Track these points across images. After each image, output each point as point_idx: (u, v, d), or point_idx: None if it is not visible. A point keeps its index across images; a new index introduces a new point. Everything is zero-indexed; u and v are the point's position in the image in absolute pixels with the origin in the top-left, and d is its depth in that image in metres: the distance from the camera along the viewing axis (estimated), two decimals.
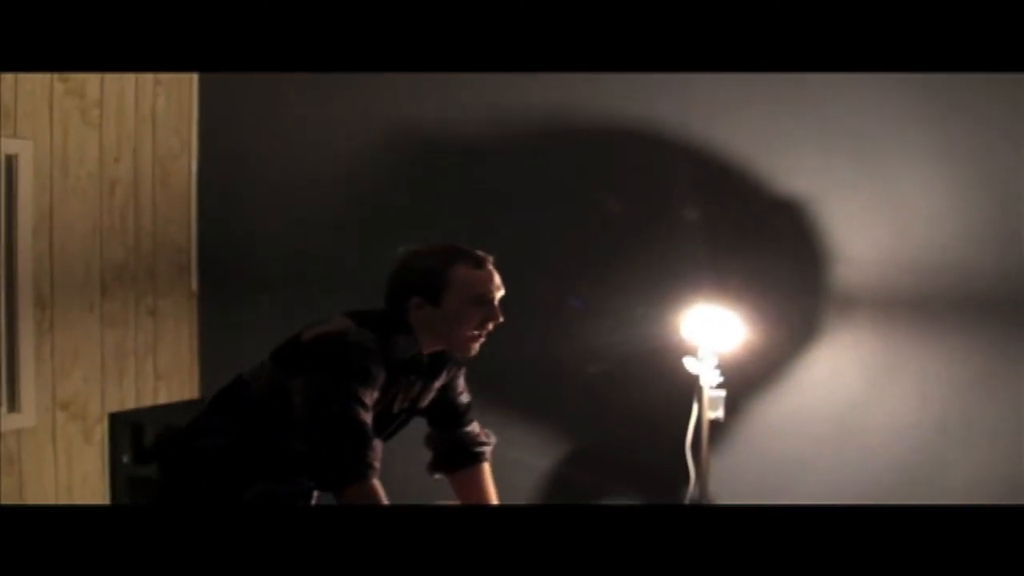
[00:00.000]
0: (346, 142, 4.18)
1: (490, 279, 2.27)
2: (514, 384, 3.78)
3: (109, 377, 4.08)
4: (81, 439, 3.98)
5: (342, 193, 4.20)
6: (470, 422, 2.54)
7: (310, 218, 4.25)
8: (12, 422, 3.71)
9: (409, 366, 2.27)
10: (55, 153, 3.83)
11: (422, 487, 2.71)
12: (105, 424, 4.03)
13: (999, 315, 3.39)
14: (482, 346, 2.30)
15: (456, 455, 2.54)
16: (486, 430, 2.57)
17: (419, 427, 2.51)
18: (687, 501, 3.52)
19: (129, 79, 4.11)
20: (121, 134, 4.10)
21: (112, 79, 4.04)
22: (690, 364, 3.39)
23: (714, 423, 3.50)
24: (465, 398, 2.52)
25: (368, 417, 2.10)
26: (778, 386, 3.63)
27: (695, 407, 3.46)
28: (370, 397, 2.13)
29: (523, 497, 3.84)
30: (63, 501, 3.90)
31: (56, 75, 3.80)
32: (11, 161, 3.69)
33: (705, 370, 3.38)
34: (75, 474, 3.96)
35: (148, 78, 4.19)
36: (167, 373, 4.35)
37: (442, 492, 2.63)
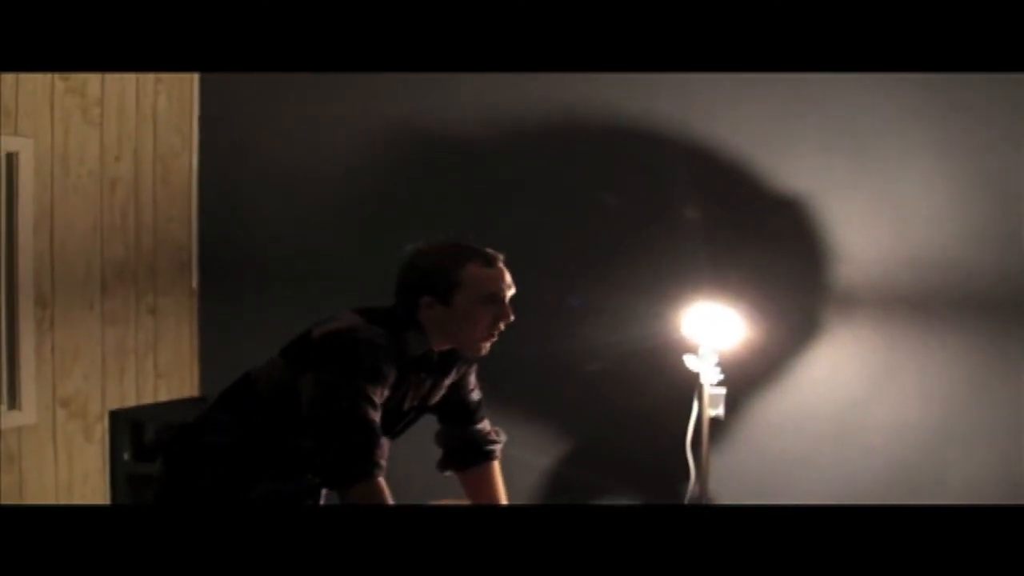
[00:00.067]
0: (346, 141, 4.18)
1: (501, 277, 2.25)
2: (514, 383, 3.77)
3: (110, 375, 4.09)
4: (81, 437, 3.98)
5: (342, 192, 4.21)
6: (481, 420, 2.52)
7: (310, 216, 4.25)
8: (12, 420, 3.72)
9: (419, 363, 2.26)
10: (56, 151, 3.83)
11: (427, 485, 2.72)
12: (105, 422, 4.04)
13: (999, 314, 3.39)
14: None
15: (466, 453, 2.52)
16: (496, 428, 2.56)
17: (425, 425, 2.50)
18: (687, 499, 3.53)
19: (130, 78, 4.11)
20: (122, 132, 4.10)
21: (113, 78, 4.04)
22: (690, 362, 3.40)
23: (714, 421, 3.51)
24: (476, 395, 2.50)
25: (376, 415, 2.09)
26: (778, 384, 3.63)
27: (695, 405, 3.47)
28: (379, 395, 2.12)
29: (523, 495, 3.84)
30: (63, 499, 3.91)
31: (57, 74, 3.81)
32: (12, 159, 3.69)
33: (705, 368, 3.38)
34: (75, 472, 3.97)
35: (149, 77, 4.20)
36: (168, 371, 4.35)
37: (449, 489, 2.63)
